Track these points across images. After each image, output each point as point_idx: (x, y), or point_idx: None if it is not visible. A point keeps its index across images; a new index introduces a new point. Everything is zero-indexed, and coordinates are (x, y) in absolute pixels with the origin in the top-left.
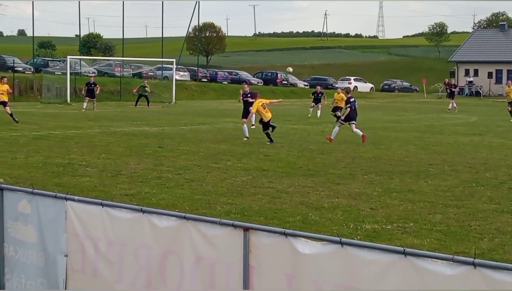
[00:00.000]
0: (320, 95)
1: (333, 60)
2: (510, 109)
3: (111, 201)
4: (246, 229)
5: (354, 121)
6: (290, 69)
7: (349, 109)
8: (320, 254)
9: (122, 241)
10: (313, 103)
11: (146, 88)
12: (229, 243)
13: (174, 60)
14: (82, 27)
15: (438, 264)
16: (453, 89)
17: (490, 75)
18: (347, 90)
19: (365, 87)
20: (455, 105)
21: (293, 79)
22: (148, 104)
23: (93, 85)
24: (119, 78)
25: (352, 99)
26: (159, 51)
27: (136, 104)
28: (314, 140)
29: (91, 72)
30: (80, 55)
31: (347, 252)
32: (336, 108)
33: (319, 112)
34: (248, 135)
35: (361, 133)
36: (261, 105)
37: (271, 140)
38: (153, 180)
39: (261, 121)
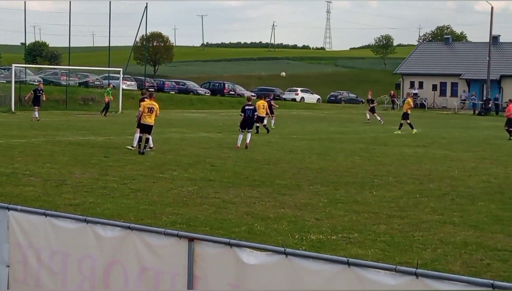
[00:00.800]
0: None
1: (280, 71)
2: (506, 128)
3: (55, 211)
4: (191, 239)
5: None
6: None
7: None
8: (265, 265)
9: (65, 251)
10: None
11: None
12: (174, 254)
13: (121, 69)
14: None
15: (381, 274)
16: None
17: (434, 87)
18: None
19: (312, 98)
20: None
21: (240, 89)
22: (106, 113)
23: (41, 92)
24: (65, 87)
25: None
26: (106, 60)
27: (106, 113)
28: (261, 150)
29: (36, 80)
30: (25, 64)
31: (291, 263)
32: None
33: (272, 121)
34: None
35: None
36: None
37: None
38: (98, 189)
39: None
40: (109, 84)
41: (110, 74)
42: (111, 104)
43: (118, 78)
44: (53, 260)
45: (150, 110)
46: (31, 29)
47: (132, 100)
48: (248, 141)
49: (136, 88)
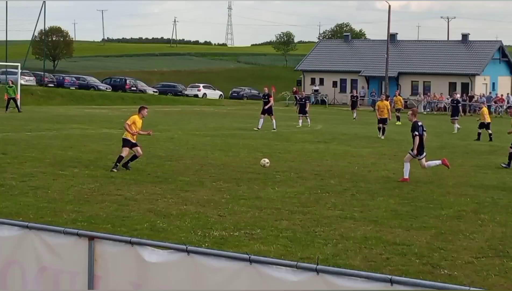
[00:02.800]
0: None
1: (183, 67)
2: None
3: None
4: (91, 238)
5: None
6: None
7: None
8: (167, 263)
9: None
10: None
11: (12, 88)
12: (74, 253)
13: (19, 64)
14: None
15: (282, 270)
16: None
17: (335, 84)
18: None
19: (214, 94)
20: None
21: (142, 85)
22: (18, 109)
23: None
24: None
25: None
26: (3, 55)
27: (6, 109)
28: (163, 147)
29: None
30: None
31: (193, 260)
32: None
33: None
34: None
35: None
36: None
37: None
38: None
39: None
40: (9, 80)
41: (8, 69)
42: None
43: (16, 74)
44: None
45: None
46: None
47: (31, 95)
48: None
49: (35, 83)
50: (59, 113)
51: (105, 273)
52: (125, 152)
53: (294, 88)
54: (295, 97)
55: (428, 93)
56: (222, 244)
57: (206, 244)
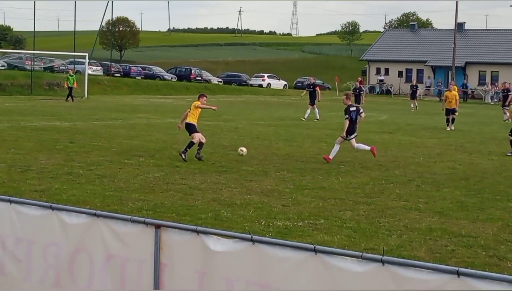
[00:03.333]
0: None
1: (247, 57)
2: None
3: (20, 197)
4: (157, 226)
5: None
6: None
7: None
8: (232, 252)
9: (30, 238)
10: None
11: (72, 77)
12: (140, 241)
13: (86, 54)
14: None
15: (347, 261)
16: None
17: (400, 74)
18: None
19: (278, 84)
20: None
21: (206, 75)
22: (72, 98)
23: None
24: (30, 72)
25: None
26: (71, 45)
27: (70, 98)
28: (227, 137)
29: (0, 65)
30: None
31: (258, 249)
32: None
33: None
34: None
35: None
36: None
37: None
38: (64, 175)
39: None
40: (69, 69)
41: (76, 59)
42: (73, 92)
43: (84, 63)
44: (17, 247)
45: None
46: None
47: (98, 85)
48: (368, 147)
49: (102, 73)
50: (125, 103)
51: (170, 261)
52: (196, 137)
53: (359, 78)
54: (360, 88)
55: (496, 83)
56: (285, 234)
57: (270, 234)
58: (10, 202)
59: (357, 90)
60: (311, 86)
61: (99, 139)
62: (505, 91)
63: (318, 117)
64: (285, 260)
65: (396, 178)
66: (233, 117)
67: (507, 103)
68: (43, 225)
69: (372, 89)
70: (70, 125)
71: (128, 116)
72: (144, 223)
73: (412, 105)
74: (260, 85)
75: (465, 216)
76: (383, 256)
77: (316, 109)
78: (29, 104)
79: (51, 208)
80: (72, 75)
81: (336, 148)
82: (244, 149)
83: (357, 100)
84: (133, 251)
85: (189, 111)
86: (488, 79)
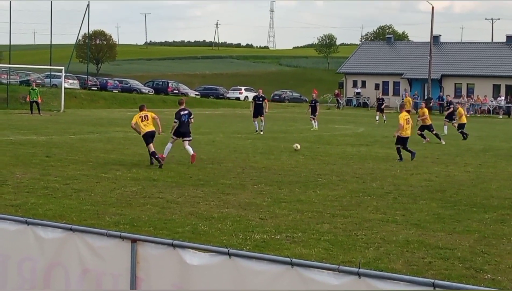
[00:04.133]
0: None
1: (224, 70)
2: (419, 133)
3: None
4: (133, 241)
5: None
6: (298, 146)
7: None
8: (209, 265)
9: (5, 253)
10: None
11: (35, 91)
12: (116, 255)
13: (63, 68)
14: None
15: (324, 274)
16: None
17: (377, 86)
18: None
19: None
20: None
21: (184, 88)
22: (39, 111)
23: None
24: (6, 86)
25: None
26: (47, 59)
27: (31, 112)
28: (205, 150)
29: None
30: None
31: (235, 263)
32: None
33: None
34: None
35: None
36: None
37: None
38: (40, 190)
39: None
40: (32, 83)
41: (52, 73)
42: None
43: (60, 77)
44: None
45: (145, 117)
46: None
47: (74, 99)
48: (191, 150)
49: (78, 86)
50: (102, 117)
51: (147, 275)
52: (151, 146)
53: (337, 91)
54: (337, 100)
55: (472, 96)
56: (263, 247)
57: (248, 247)
58: None
59: (313, 102)
60: (260, 99)
61: (75, 153)
62: (448, 104)
63: (262, 129)
64: (262, 274)
65: (373, 190)
66: (210, 131)
67: (449, 114)
68: (18, 240)
69: (349, 102)
70: (47, 139)
71: (105, 130)
72: (120, 237)
73: (377, 118)
74: (238, 98)
75: (442, 228)
76: (359, 268)
77: (263, 122)
78: (5, 118)
79: (26, 222)
80: (35, 89)
81: (168, 146)
82: (298, 145)
83: (313, 111)
84: (109, 265)
85: (147, 121)
86: (464, 92)
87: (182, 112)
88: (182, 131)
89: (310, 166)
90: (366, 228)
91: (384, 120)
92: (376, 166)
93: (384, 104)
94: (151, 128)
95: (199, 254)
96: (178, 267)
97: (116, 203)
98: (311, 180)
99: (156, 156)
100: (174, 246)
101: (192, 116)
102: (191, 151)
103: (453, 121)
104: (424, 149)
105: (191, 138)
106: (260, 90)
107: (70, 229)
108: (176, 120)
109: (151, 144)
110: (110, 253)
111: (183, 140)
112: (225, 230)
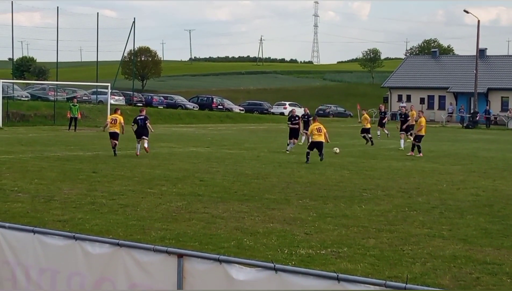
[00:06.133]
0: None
1: (269, 85)
2: (363, 135)
3: (43, 228)
4: (180, 256)
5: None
6: (337, 150)
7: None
8: (255, 280)
9: (54, 268)
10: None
11: (76, 107)
12: (163, 270)
13: (109, 84)
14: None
15: (370, 289)
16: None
17: (422, 101)
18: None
19: (300, 112)
20: (386, 131)
21: (228, 104)
22: (75, 128)
23: None
24: (53, 103)
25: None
26: (94, 75)
27: (69, 128)
28: (249, 165)
29: (24, 96)
30: (13, 79)
31: (281, 278)
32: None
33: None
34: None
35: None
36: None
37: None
38: (87, 205)
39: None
40: (72, 99)
41: (99, 89)
42: (78, 120)
43: (106, 93)
44: (42, 277)
45: (114, 121)
46: (18, 44)
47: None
48: (146, 145)
49: (124, 103)
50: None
51: (193, 290)
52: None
53: (381, 106)
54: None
55: None
56: (308, 262)
57: (293, 262)
58: (34, 232)
59: (383, 114)
60: (306, 117)
61: (121, 168)
62: (403, 116)
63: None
64: (308, 289)
65: (419, 205)
66: (254, 146)
67: (404, 127)
68: (66, 255)
69: (394, 116)
70: (93, 155)
71: (150, 146)
72: (166, 252)
73: (379, 133)
74: (282, 113)
75: (489, 243)
76: (406, 284)
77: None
78: (52, 134)
79: (74, 238)
80: (76, 105)
81: (137, 145)
82: (338, 149)
83: (381, 123)
84: (156, 280)
85: (114, 124)
86: (511, 105)
87: (138, 117)
88: (139, 132)
89: (355, 181)
90: (412, 243)
91: (387, 135)
92: (422, 180)
93: (386, 119)
94: (115, 129)
95: (245, 269)
96: (224, 282)
97: (162, 218)
98: (356, 194)
99: (114, 149)
100: (220, 261)
101: (147, 121)
102: (146, 145)
103: (409, 133)
104: (471, 163)
105: (147, 138)
106: (306, 108)
107: (117, 244)
108: (133, 123)
109: (114, 141)
110: (157, 268)
111: (142, 139)
112: (270, 245)
